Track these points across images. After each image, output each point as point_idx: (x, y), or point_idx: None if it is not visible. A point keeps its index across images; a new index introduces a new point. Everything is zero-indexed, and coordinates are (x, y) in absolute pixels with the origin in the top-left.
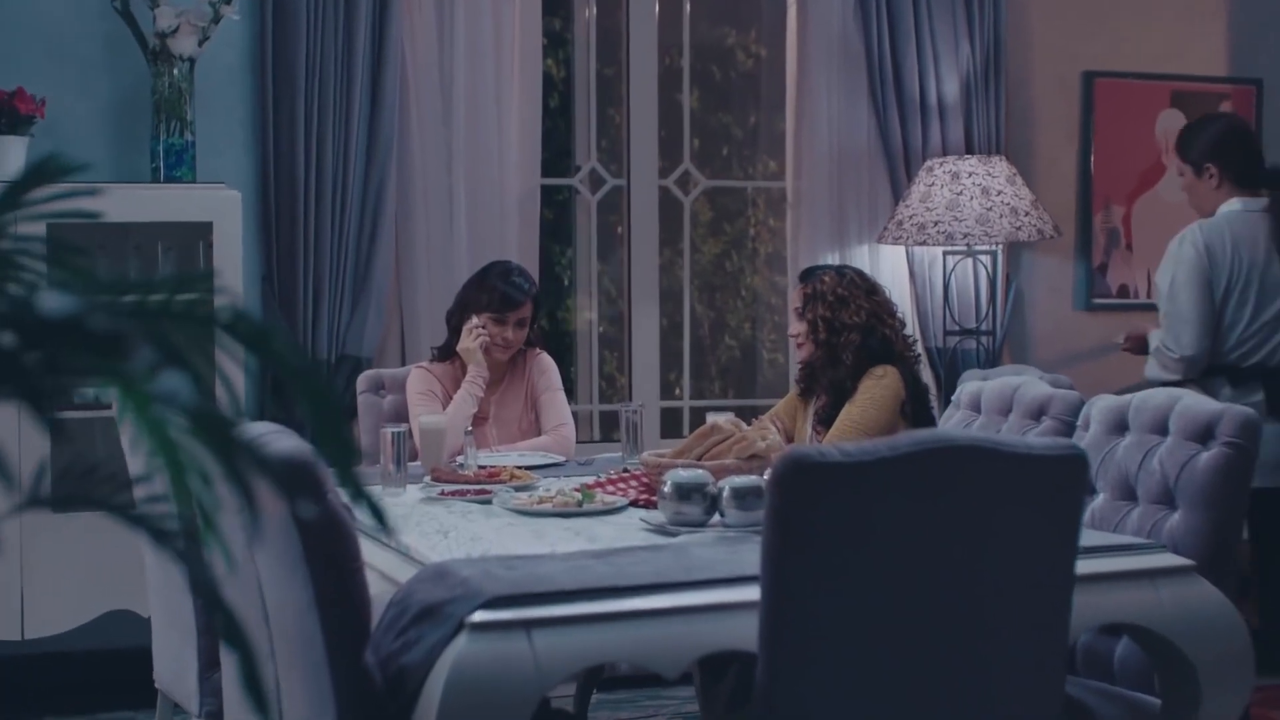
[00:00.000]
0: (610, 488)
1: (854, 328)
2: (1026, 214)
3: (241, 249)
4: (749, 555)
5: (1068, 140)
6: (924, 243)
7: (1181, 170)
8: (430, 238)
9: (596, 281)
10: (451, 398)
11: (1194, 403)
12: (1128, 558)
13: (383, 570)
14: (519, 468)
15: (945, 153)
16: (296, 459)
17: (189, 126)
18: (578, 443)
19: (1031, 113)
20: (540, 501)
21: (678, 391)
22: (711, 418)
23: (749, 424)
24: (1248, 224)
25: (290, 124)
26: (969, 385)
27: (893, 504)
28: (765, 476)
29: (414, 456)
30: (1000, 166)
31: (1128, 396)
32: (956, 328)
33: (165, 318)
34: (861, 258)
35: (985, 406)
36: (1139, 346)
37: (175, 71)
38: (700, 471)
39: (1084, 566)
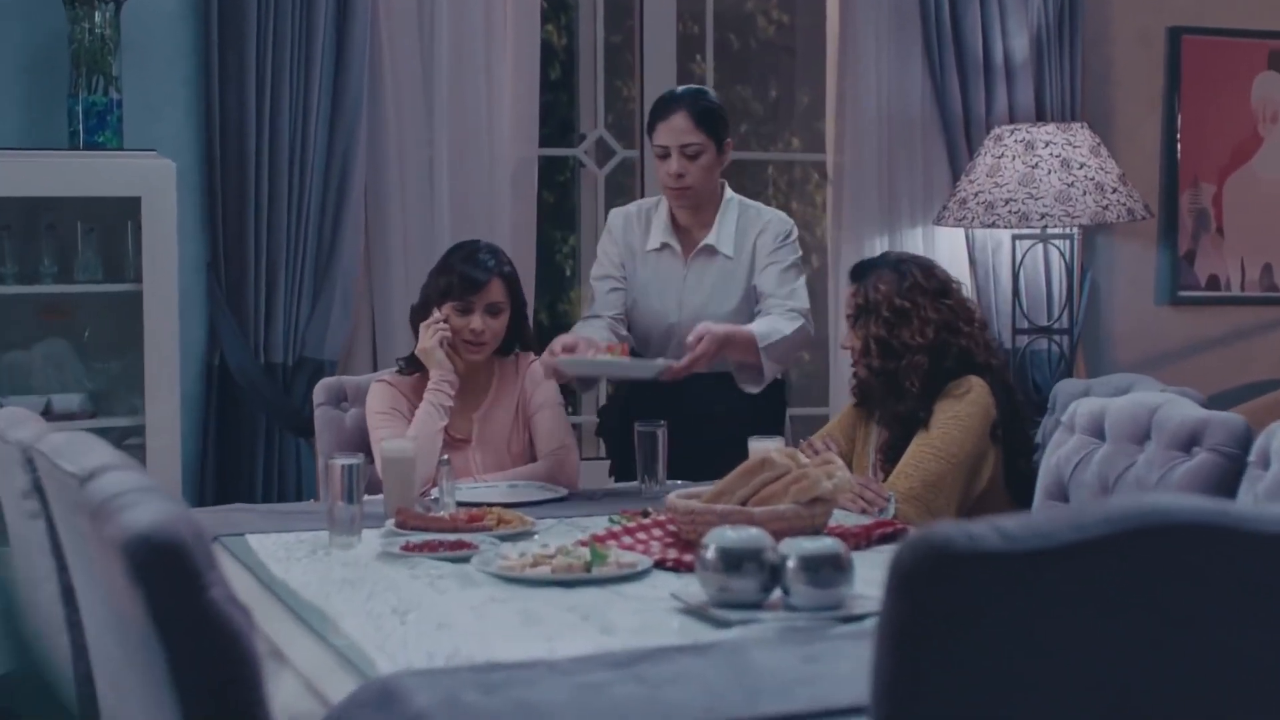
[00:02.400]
0: (627, 539)
1: (918, 349)
2: (1114, 190)
3: (178, 230)
4: (836, 665)
5: (1150, 107)
6: (993, 224)
7: (702, 148)
8: (406, 218)
9: None
10: None
11: None
12: None
13: (308, 676)
14: (508, 506)
15: (1013, 120)
16: (159, 537)
17: (114, 83)
18: (580, 460)
19: (1110, 75)
20: (535, 562)
21: None
22: (757, 446)
23: (797, 448)
24: None
25: (239, 81)
26: (1085, 403)
27: (1078, 608)
28: (830, 525)
29: (377, 486)
30: (1082, 135)
31: None
32: (1027, 325)
33: None
34: (915, 242)
35: (1111, 432)
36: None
37: (98, 16)
38: (755, 532)
39: None
